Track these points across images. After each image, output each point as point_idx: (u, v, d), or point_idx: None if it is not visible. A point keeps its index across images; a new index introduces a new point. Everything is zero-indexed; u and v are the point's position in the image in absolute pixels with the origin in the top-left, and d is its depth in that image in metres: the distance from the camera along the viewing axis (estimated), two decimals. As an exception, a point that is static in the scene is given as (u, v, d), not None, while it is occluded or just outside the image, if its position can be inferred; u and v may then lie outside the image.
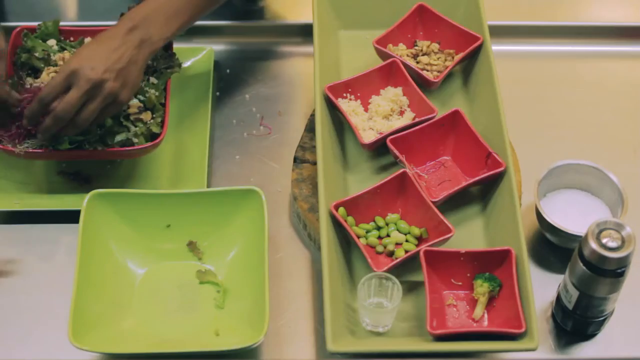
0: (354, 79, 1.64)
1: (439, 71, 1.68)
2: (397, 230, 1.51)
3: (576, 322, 1.47)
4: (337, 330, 1.38)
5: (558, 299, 1.48)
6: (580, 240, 1.38)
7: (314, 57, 1.64)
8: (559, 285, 1.48)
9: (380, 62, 1.67)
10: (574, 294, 1.43)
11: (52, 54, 1.65)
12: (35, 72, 1.64)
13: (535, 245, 1.59)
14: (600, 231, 1.36)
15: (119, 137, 1.56)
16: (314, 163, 1.62)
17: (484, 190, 1.57)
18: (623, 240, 1.35)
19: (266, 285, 1.43)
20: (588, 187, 1.59)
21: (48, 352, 1.47)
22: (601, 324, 1.48)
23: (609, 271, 1.37)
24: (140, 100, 1.61)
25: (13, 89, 1.58)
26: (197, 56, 1.79)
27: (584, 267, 1.38)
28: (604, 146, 1.72)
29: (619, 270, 1.37)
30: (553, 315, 1.51)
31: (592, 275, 1.38)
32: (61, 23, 1.70)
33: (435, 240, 1.46)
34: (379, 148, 1.60)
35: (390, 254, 1.49)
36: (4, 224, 1.61)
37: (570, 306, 1.45)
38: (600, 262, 1.36)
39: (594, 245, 1.35)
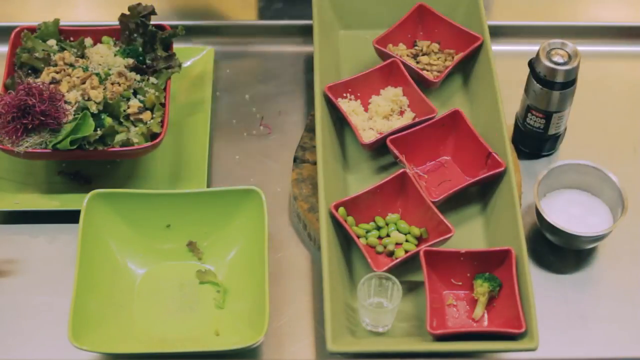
0: (354, 79, 1.64)
1: (439, 71, 1.68)
2: (397, 230, 1.51)
3: (533, 140, 1.66)
4: (337, 330, 1.38)
5: (516, 124, 1.68)
6: (532, 61, 1.59)
7: (314, 57, 1.64)
8: (516, 113, 1.68)
9: (380, 62, 1.67)
10: (531, 115, 1.63)
11: (52, 54, 1.65)
12: (35, 72, 1.64)
13: (535, 245, 1.59)
14: (549, 51, 1.56)
15: (119, 137, 1.56)
16: (314, 163, 1.62)
17: (484, 190, 1.57)
18: (569, 56, 1.56)
19: (266, 285, 1.43)
20: (588, 187, 1.59)
21: (48, 352, 1.47)
22: (555, 141, 1.66)
23: (559, 84, 1.57)
24: (140, 100, 1.61)
25: (12, 89, 1.58)
26: (197, 56, 1.79)
27: (539, 85, 1.58)
28: (604, 146, 1.72)
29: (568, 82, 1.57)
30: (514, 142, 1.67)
31: (546, 90, 1.58)
32: (61, 23, 1.70)
33: (435, 240, 1.46)
34: (379, 148, 1.60)
35: (390, 254, 1.49)
36: (4, 224, 1.61)
37: (527, 126, 1.64)
38: (552, 76, 1.57)
39: (546, 62, 1.56)
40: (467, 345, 1.38)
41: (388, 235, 1.51)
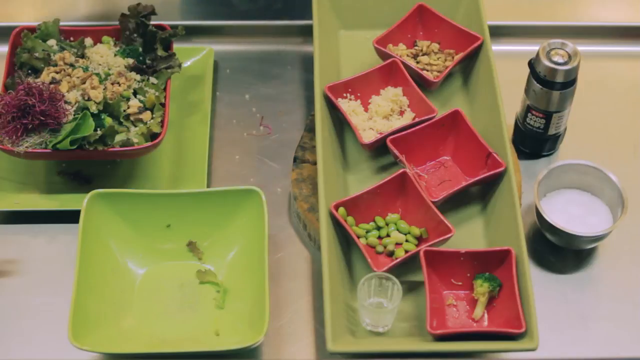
0: (354, 79, 1.64)
1: (439, 71, 1.68)
2: (397, 230, 1.51)
3: (533, 140, 1.67)
4: (337, 330, 1.38)
5: (516, 124, 1.68)
6: (532, 61, 1.59)
7: (314, 57, 1.64)
8: (516, 113, 1.68)
9: (380, 62, 1.67)
10: (531, 115, 1.63)
11: (52, 54, 1.65)
12: (35, 72, 1.64)
13: (535, 245, 1.59)
14: (549, 51, 1.57)
15: (119, 137, 1.56)
16: (314, 163, 1.62)
17: (484, 190, 1.57)
18: (569, 56, 1.56)
19: (266, 285, 1.43)
20: (588, 187, 1.59)
21: (48, 352, 1.47)
22: (555, 141, 1.66)
23: (559, 84, 1.57)
24: (140, 100, 1.61)
25: (12, 89, 1.58)
26: (197, 56, 1.79)
27: (539, 85, 1.58)
28: (604, 146, 1.72)
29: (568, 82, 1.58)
30: (514, 142, 1.69)
31: (546, 90, 1.58)
32: (61, 23, 1.70)
33: (435, 240, 1.46)
34: (379, 148, 1.60)
35: (390, 254, 1.49)
36: (4, 224, 1.61)
37: (528, 126, 1.65)
38: (552, 76, 1.57)
39: (546, 62, 1.56)
40: (467, 345, 1.38)
41: (388, 235, 1.51)
